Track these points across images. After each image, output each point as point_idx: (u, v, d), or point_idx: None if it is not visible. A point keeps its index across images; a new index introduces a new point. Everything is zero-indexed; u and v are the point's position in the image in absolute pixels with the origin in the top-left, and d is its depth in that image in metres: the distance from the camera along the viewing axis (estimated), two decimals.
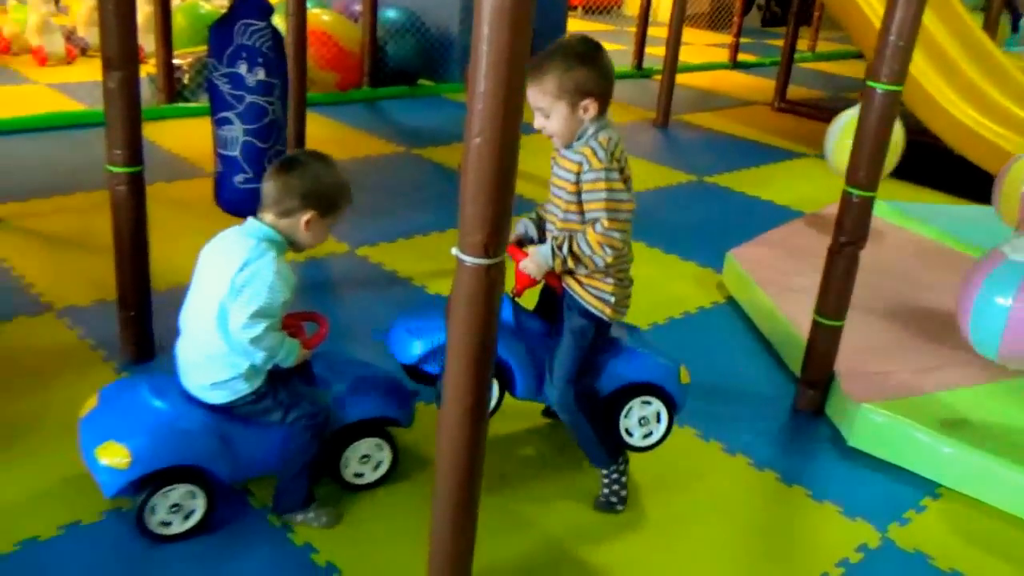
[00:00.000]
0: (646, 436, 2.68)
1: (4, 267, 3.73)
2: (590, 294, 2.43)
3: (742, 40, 10.35)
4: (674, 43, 6.99)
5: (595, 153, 2.32)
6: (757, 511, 2.72)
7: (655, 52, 8.72)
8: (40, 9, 7.24)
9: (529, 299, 2.59)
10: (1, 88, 6.37)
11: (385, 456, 2.57)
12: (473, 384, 1.74)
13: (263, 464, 2.38)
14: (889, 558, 2.55)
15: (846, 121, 4.92)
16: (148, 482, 2.24)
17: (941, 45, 6.24)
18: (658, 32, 9.25)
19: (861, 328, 3.38)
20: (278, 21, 4.45)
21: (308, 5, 5.33)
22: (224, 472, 2.32)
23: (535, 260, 2.38)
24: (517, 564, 2.38)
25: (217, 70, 4.18)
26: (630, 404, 2.62)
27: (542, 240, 2.48)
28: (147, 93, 5.87)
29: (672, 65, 7.02)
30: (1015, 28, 9.85)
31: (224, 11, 4.22)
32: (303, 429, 2.34)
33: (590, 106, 2.33)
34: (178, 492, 2.28)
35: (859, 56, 10.46)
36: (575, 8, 13.47)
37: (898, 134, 4.97)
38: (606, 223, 2.30)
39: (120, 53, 2.79)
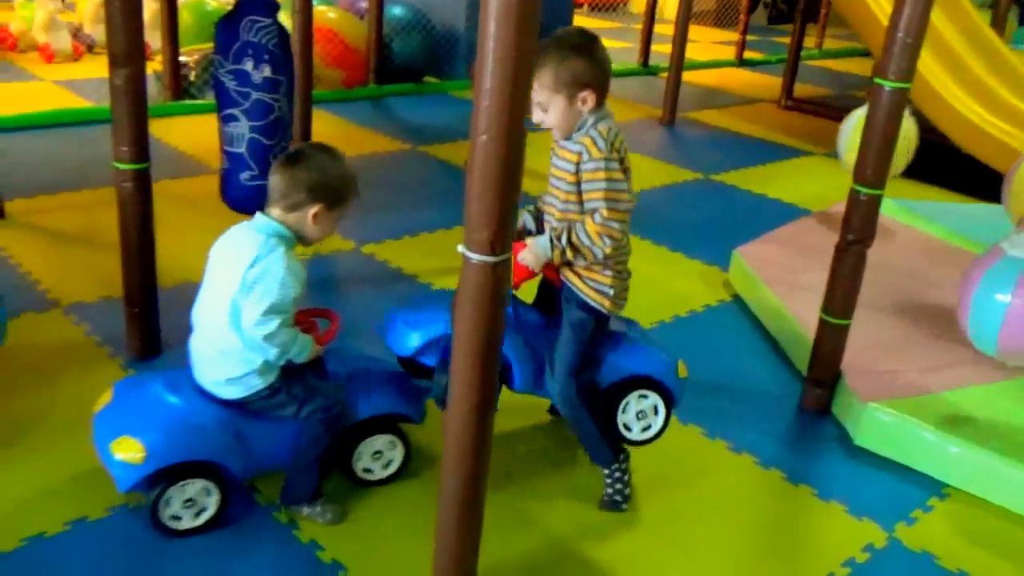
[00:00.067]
0: (644, 430, 2.66)
1: (11, 263, 3.74)
2: (589, 287, 2.42)
3: (748, 38, 10.33)
4: (680, 40, 6.98)
5: (595, 143, 2.31)
6: (763, 510, 2.71)
7: (661, 49, 8.72)
8: (47, 6, 7.25)
9: (527, 292, 2.58)
10: (8, 85, 6.39)
11: (397, 453, 2.57)
12: (479, 381, 1.73)
13: (276, 459, 2.38)
14: (896, 558, 2.54)
15: (858, 119, 4.90)
16: (162, 477, 2.25)
17: (948, 42, 6.22)
18: (664, 29, 9.25)
19: (869, 326, 3.37)
20: (284, 18, 4.45)
21: (314, 2, 5.33)
22: (237, 467, 2.33)
23: (533, 252, 2.36)
24: (522, 561, 2.37)
25: (223, 67, 4.18)
26: (627, 399, 2.60)
27: (541, 232, 2.47)
28: (153, 90, 5.87)
29: (678, 63, 7.01)
30: (1023, 22, 9.82)
31: (230, 8, 4.22)
32: (317, 422, 2.34)
33: (588, 97, 2.32)
34: (192, 487, 2.29)
35: (866, 54, 10.42)
36: (581, 5, 13.45)
37: (911, 132, 4.94)
38: (605, 213, 2.29)
39: (127, 50, 2.79)
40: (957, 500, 2.80)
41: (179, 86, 6.20)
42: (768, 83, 9.14)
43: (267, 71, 4.18)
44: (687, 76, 7.50)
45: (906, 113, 4.83)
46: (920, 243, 4.59)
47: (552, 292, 2.55)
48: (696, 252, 4.56)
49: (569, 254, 2.34)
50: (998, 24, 7.40)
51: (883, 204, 2.99)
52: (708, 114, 7.71)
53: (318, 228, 2.31)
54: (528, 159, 1.69)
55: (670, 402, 2.66)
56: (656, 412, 2.66)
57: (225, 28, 4.18)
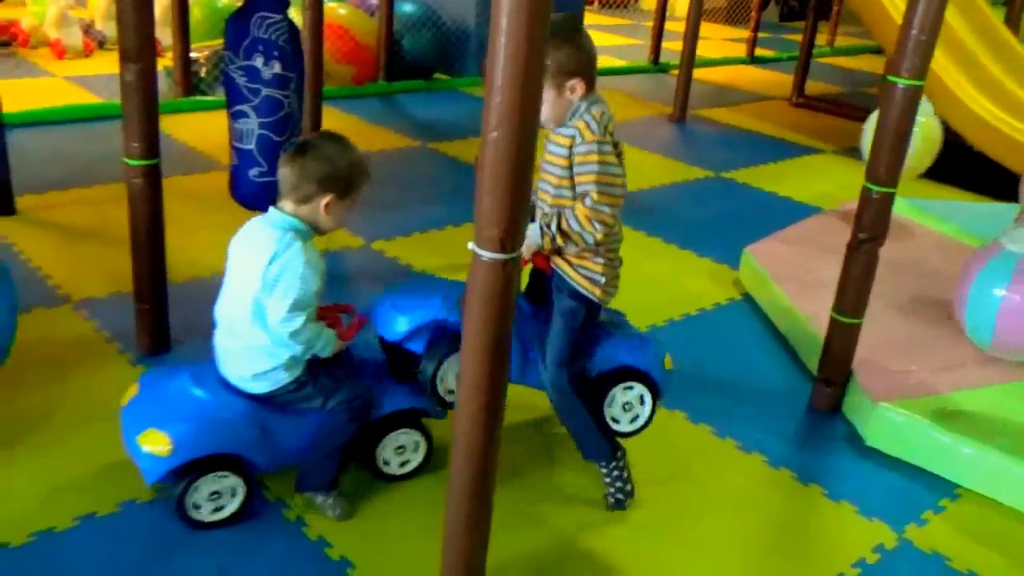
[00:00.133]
0: (632, 421, 2.65)
1: (22, 259, 3.75)
2: (580, 275, 2.41)
3: (760, 35, 10.29)
4: (691, 38, 6.95)
5: (588, 126, 2.31)
6: (772, 510, 2.70)
7: (672, 47, 8.69)
8: (59, 2, 7.27)
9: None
10: (19, 81, 6.40)
11: (419, 454, 2.58)
12: (489, 379, 1.73)
13: (301, 452, 2.39)
14: (906, 559, 2.52)
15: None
16: (189, 470, 2.26)
17: (962, 39, 6.17)
18: (675, 27, 9.22)
19: (881, 325, 3.35)
20: (294, 14, 4.45)
21: None
22: (262, 460, 2.35)
23: (523, 239, 2.35)
24: (530, 559, 2.37)
25: (233, 63, 4.18)
26: (612, 391, 2.59)
27: (532, 220, 2.45)
28: (164, 86, 5.88)
29: (689, 60, 6.98)
30: None
31: (241, 4, 4.22)
32: (342, 412, 2.36)
33: (576, 86, 2.31)
34: (218, 480, 2.30)
35: (878, 51, 10.37)
36: (592, 2, 13.43)
37: (936, 133, 4.86)
38: (595, 196, 2.27)
39: (137, 46, 2.79)
40: (968, 501, 2.78)
41: (189, 82, 6.21)
42: (779, 80, 9.10)
43: (277, 67, 4.18)
44: (698, 73, 7.47)
45: (931, 113, 4.77)
46: (935, 242, 4.56)
47: (542, 281, 2.53)
48: (706, 250, 4.54)
49: (559, 241, 2.32)
50: (1013, 21, 7.35)
51: (895, 203, 2.97)
52: (719, 112, 7.68)
53: (332, 218, 2.31)
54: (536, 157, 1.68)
55: (656, 393, 2.65)
56: (642, 403, 2.64)
57: (235, 24, 4.17)
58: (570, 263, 2.41)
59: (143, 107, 2.85)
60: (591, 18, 10.93)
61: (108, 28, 7.58)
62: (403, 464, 2.58)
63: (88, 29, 7.63)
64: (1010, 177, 5.15)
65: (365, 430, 2.45)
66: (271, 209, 2.31)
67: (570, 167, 2.32)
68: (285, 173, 2.27)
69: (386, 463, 2.55)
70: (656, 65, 9.19)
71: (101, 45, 7.64)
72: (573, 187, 2.33)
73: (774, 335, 3.72)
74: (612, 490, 2.56)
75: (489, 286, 1.64)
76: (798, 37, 8.58)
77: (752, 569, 2.44)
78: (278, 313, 2.21)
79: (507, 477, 2.55)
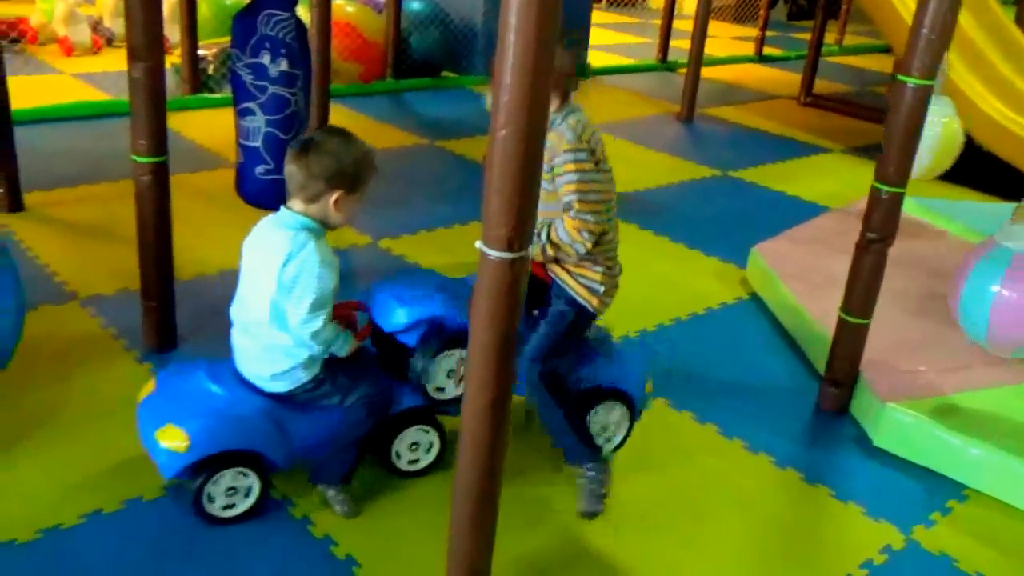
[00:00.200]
0: (607, 440, 2.68)
1: (29, 255, 3.76)
2: (579, 283, 2.42)
3: (768, 33, 10.26)
4: (699, 36, 6.94)
5: (562, 136, 2.33)
6: (779, 510, 2.69)
7: (680, 45, 8.66)
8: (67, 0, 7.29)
9: None
10: (28, 78, 6.41)
11: (433, 447, 2.58)
12: (496, 377, 1.72)
13: (318, 448, 2.40)
14: (913, 560, 2.51)
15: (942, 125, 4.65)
16: (205, 465, 2.27)
17: (971, 38, 6.14)
18: (683, 25, 9.18)
19: (889, 325, 3.33)
20: (302, 12, 4.44)
21: None
22: (279, 457, 2.36)
23: None
24: (535, 560, 2.36)
25: (240, 61, 4.19)
26: (596, 408, 2.59)
27: None
28: (172, 84, 5.89)
29: (697, 58, 6.96)
30: None
31: (248, 1, 4.22)
32: (360, 407, 2.36)
33: (552, 99, 2.30)
34: (236, 478, 2.31)
35: (887, 50, 10.34)
36: (599, 1, 13.40)
37: (958, 133, 4.78)
38: (577, 206, 2.30)
39: (145, 43, 2.79)
40: (976, 503, 2.77)
41: (197, 80, 6.21)
42: (787, 79, 9.08)
43: (284, 65, 4.18)
44: (706, 72, 7.44)
45: (952, 114, 4.71)
46: (944, 241, 4.54)
47: (535, 288, 2.52)
48: (713, 249, 4.53)
49: (550, 250, 2.35)
50: (1023, 20, 7.31)
51: (904, 202, 2.95)
52: (726, 110, 7.66)
53: (342, 213, 2.30)
54: None
55: (633, 414, 2.66)
56: (619, 426, 2.65)
57: (242, 21, 4.18)
58: (569, 271, 2.41)
59: (151, 104, 2.85)
60: (599, 16, 10.90)
61: (116, 25, 7.60)
62: (413, 462, 2.58)
63: (96, 26, 7.65)
64: (1020, 177, 5.13)
65: (383, 424, 2.45)
66: (281, 209, 2.31)
67: (553, 179, 2.34)
68: (292, 172, 2.27)
69: (398, 456, 2.55)
70: (664, 63, 9.18)
71: (109, 42, 7.65)
72: (559, 198, 2.35)
73: (781, 335, 3.71)
74: (585, 494, 2.51)
75: (496, 284, 1.64)
76: (807, 36, 8.55)
77: (758, 570, 2.43)
78: (299, 315, 2.22)
79: (513, 477, 2.54)
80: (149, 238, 3.00)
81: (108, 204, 4.32)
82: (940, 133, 4.50)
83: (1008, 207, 5.05)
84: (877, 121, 7.23)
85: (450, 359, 2.48)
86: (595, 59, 8.73)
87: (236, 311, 2.38)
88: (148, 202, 2.95)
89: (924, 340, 3.44)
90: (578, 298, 2.42)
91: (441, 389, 2.50)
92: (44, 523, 2.30)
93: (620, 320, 3.55)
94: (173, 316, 3.13)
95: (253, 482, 2.34)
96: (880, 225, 2.92)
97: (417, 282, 2.67)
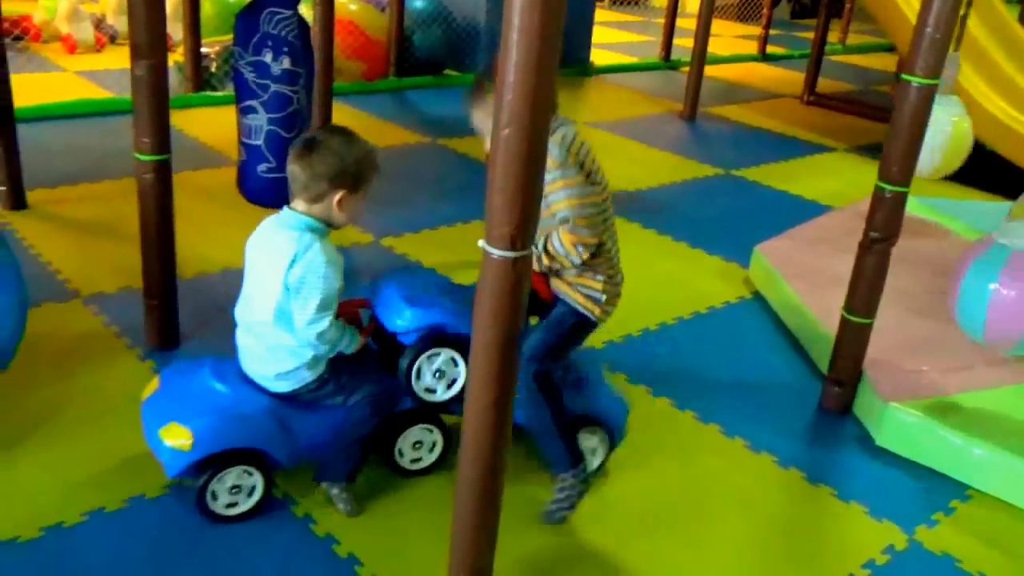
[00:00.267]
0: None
1: (32, 253, 3.76)
2: (580, 293, 2.40)
3: (771, 32, 10.26)
4: (702, 35, 6.93)
5: (550, 153, 2.28)
6: (781, 510, 2.69)
7: (683, 44, 8.66)
8: None
9: None
10: (31, 75, 6.42)
11: (436, 447, 2.58)
12: (498, 377, 1.72)
13: (322, 446, 2.40)
14: (916, 560, 2.51)
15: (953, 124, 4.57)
16: (209, 464, 2.27)
17: (975, 37, 6.12)
18: (686, 23, 9.18)
19: (892, 325, 3.33)
20: (304, 10, 4.44)
21: None
22: (283, 455, 2.36)
23: None
24: (537, 560, 2.36)
25: (242, 58, 4.18)
26: (577, 433, 2.56)
27: None
28: (175, 81, 5.89)
29: (700, 57, 6.96)
30: None
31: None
32: (365, 406, 2.36)
33: None
34: (241, 477, 2.31)
35: (891, 49, 10.33)
36: None
37: (968, 132, 4.72)
38: (573, 221, 2.29)
39: (148, 41, 2.79)
40: (980, 503, 2.76)
41: (200, 77, 6.21)
42: (790, 78, 9.07)
43: (286, 63, 4.18)
44: (709, 71, 7.44)
45: (962, 114, 4.67)
46: (948, 241, 4.53)
47: (538, 306, 2.49)
48: (716, 248, 4.52)
49: (545, 260, 2.34)
50: None
51: (907, 202, 2.95)
52: (729, 109, 7.66)
53: (345, 213, 2.31)
54: None
55: (611, 445, 2.65)
56: (596, 454, 2.63)
57: (245, 19, 4.17)
58: (570, 283, 2.40)
59: (154, 102, 2.84)
60: (602, 14, 10.89)
61: (119, 23, 7.60)
62: (416, 460, 2.57)
63: (99, 24, 7.65)
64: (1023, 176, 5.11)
65: (387, 423, 2.45)
66: (285, 209, 2.30)
67: (544, 196, 2.32)
68: (295, 172, 2.27)
69: (401, 454, 2.55)
70: (667, 62, 9.17)
71: (112, 40, 7.65)
72: (553, 214, 2.32)
73: (784, 334, 3.70)
74: (557, 500, 2.46)
75: (499, 283, 1.63)
76: (810, 34, 8.54)
77: (760, 569, 2.43)
78: (305, 316, 2.22)
79: (515, 478, 2.54)
80: (151, 236, 3.00)
81: (111, 202, 4.32)
82: (950, 132, 4.47)
83: (1007, 205, 5.05)
84: (880, 120, 7.23)
85: (436, 359, 2.43)
86: (598, 57, 8.73)
87: (240, 311, 2.38)
88: (151, 200, 2.95)
89: (927, 340, 3.43)
90: (580, 308, 2.41)
91: (432, 391, 2.46)
92: (46, 521, 2.30)
93: (623, 319, 3.55)
94: (175, 314, 3.13)
95: (257, 480, 2.34)
96: (883, 224, 2.92)
97: (424, 282, 2.64)
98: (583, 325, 2.45)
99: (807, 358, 3.50)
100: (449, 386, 2.46)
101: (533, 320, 2.51)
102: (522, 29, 1.44)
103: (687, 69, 7.17)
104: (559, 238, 2.30)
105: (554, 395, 2.44)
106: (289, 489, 2.48)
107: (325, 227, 2.29)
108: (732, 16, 13.15)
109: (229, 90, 5.87)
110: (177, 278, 3.11)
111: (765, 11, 10.15)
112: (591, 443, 2.61)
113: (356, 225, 4.23)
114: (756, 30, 10.60)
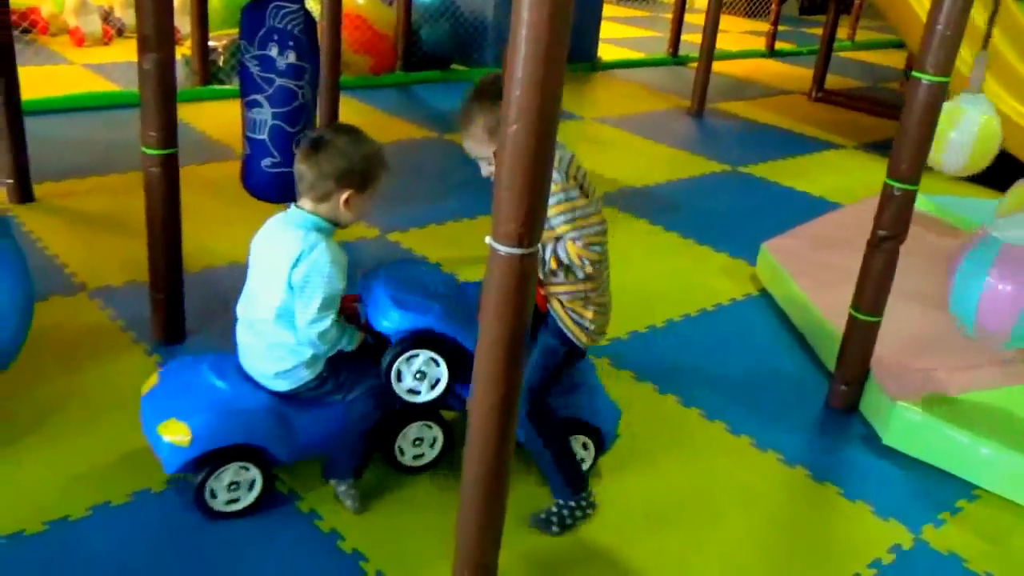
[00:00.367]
0: None
1: (39, 247, 3.76)
2: (570, 318, 2.38)
3: (780, 28, 10.22)
4: (710, 30, 6.91)
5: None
6: (787, 509, 2.68)
7: (691, 39, 8.63)
8: None
9: None
10: (38, 68, 6.43)
11: (436, 443, 2.57)
12: (503, 375, 1.71)
13: (323, 443, 2.40)
14: (922, 560, 2.50)
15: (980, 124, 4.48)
16: (208, 460, 2.27)
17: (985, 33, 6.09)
18: (694, 19, 9.15)
19: (901, 323, 3.31)
20: (312, 4, 4.43)
21: None
22: (283, 452, 2.35)
23: None
24: (543, 559, 2.36)
25: (248, 52, 4.17)
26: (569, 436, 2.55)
27: None
28: (182, 75, 5.89)
29: (708, 53, 6.93)
30: None
31: None
32: (366, 399, 2.36)
33: None
34: (239, 473, 2.31)
35: (900, 46, 10.27)
36: None
37: (996, 134, 4.63)
38: (583, 240, 2.24)
39: (156, 34, 2.79)
40: (987, 503, 2.75)
41: (207, 71, 6.21)
42: (799, 74, 9.03)
43: (292, 57, 4.17)
44: (717, 66, 7.41)
45: (991, 113, 4.62)
46: (957, 239, 4.50)
47: (534, 317, 2.47)
48: (723, 245, 4.51)
49: (552, 264, 2.28)
50: None
51: (916, 199, 2.93)
52: (737, 105, 7.63)
53: (352, 212, 2.30)
54: None
55: (600, 450, 2.63)
56: (583, 460, 2.59)
57: (251, 13, 4.16)
58: (563, 304, 2.38)
59: (161, 96, 2.84)
60: (609, 10, 10.86)
61: (127, 16, 7.60)
62: (417, 457, 2.57)
63: (107, 17, 7.66)
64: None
65: (386, 419, 2.44)
66: (292, 207, 2.30)
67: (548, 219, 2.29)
68: (301, 172, 2.26)
69: (401, 452, 2.54)
70: (675, 58, 9.14)
71: (120, 33, 7.66)
72: (556, 237, 2.28)
73: (791, 332, 3.69)
74: (552, 512, 2.44)
75: (506, 280, 1.63)
76: (818, 31, 8.51)
77: (765, 568, 2.42)
78: (307, 315, 2.22)
79: (521, 475, 2.54)
80: (158, 230, 3.00)
81: (117, 195, 4.32)
82: (977, 132, 4.42)
83: None
84: (889, 117, 7.20)
85: (414, 361, 2.36)
86: (606, 52, 8.71)
87: (242, 308, 2.38)
88: (157, 194, 2.95)
89: (935, 338, 3.41)
90: (567, 332, 2.38)
91: (416, 392, 2.40)
92: (52, 515, 2.30)
93: (629, 316, 3.55)
94: (182, 308, 3.13)
95: (255, 475, 2.34)
96: (892, 222, 2.90)
97: (415, 280, 2.56)
98: (571, 354, 2.42)
99: (814, 356, 3.49)
100: (432, 386, 2.41)
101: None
102: (531, 24, 1.43)
103: (695, 65, 7.15)
104: (565, 248, 2.26)
105: (552, 429, 2.42)
106: (294, 485, 2.48)
107: (331, 226, 2.29)
108: (740, 12, 13.11)
109: (236, 84, 5.87)
110: (184, 272, 3.11)
111: (773, 7, 10.11)
112: (579, 451, 2.58)
113: (362, 220, 4.22)
114: (764, 26, 10.56)
